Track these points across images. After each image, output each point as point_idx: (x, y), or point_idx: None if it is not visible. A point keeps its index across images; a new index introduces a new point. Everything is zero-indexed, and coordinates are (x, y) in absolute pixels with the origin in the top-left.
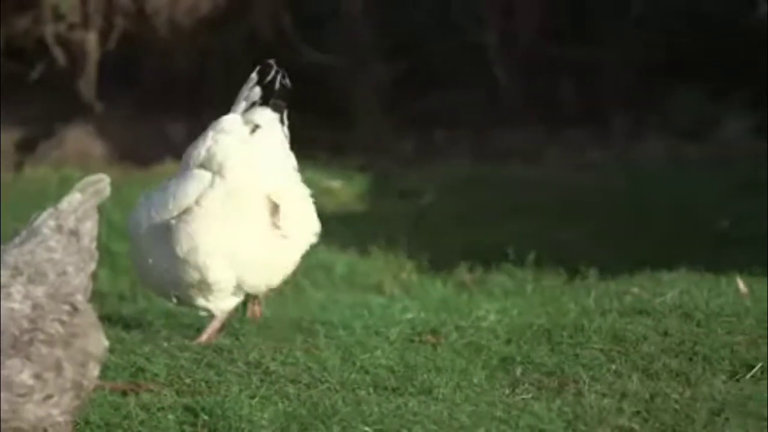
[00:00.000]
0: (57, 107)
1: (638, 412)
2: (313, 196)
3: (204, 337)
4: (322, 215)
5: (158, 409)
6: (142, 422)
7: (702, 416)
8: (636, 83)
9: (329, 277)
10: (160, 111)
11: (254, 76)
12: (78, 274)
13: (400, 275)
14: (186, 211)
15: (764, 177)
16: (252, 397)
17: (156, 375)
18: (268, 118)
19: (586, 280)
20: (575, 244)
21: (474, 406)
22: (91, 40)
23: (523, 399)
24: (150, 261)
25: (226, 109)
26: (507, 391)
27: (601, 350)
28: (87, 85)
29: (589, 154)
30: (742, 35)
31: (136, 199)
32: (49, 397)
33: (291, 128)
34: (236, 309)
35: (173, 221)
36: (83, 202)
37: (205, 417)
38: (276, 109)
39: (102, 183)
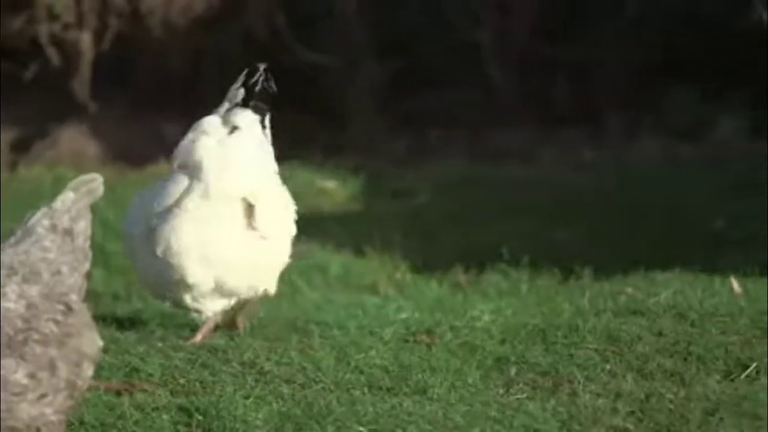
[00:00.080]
0: (51, 107)
1: (633, 412)
2: (307, 196)
3: (198, 337)
4: (316, 215)
5: (153, 409)
6: (136, 422)
7: (696, 416)
8: (631, 83)
9: (324, 277)
10: (155, 111)
11: (242, 77)
12: (72, 274)
13: (395, 275)
14: (167, 211)
15: (759, 177)
16: (246, 397)
17: (150, 375)
18: (247, 119)
19: (580, 280)
20: (570, 244)
21: (469, 406)
22: (86, 40)
23: (517, 399)
24: (141, 262)
25: None
26: (501, 391)
27: (596, 350)
28: (81, 85)
29: (584, 154)
30: (737, 35)
31: (130, 199)
32: (43, 396)
33: (285, 128)
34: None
35: (155, 222)
36: (76, 201)
37: (200, 417)
38: (257, 110)
39: (95, 182)
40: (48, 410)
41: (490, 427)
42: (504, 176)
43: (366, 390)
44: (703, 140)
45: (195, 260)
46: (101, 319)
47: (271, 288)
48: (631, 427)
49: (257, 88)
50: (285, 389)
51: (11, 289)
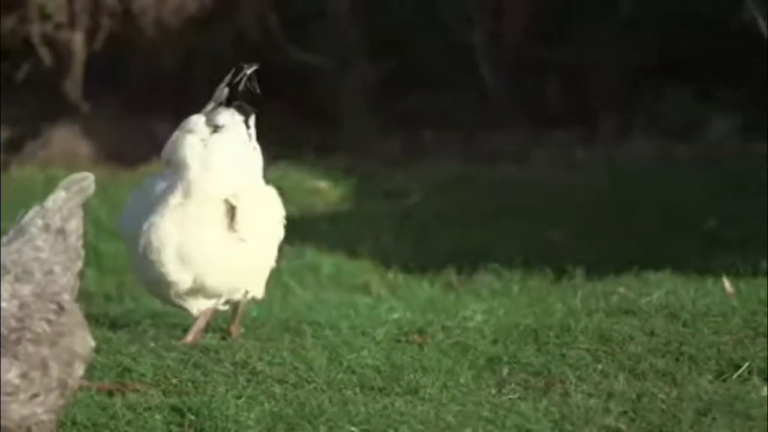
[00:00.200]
0: (43, 107)
1: (625, 412)
2: (299, 196)
3: (189, 336)
4: (308, 216)
5: (145, 409)
6: (128, 422)
7: (688, 416)
8: (624, 84)
9: (316, 278)
10: (147, 111)
11: (228, 77)
12: (65, 274)
13: (387, 275)
14: (151, 209)
15: (753, 177)
16: (238, 397)
17: (143, 375)
18: (231, 119)
19: (573, 280)
20: (562, 244)
21: (460, 406)
22: (78, 39)
23: (509, 399)
24: (131, 260)
25: None
26: (493, 391)
27: (588, 350)
28: (73, 85)
29: (578, 154)
30: (731, 36)
31: (122, 199)
32: (34, 396)
33: (277, 129)
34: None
35: (141, 219)
36: (68, 200)
37: (192, 417)
38: (241, 110)
39: (86, 181)
40: (39, 410)
41: (482, 427)
42: (497, 177)
43: (358, 390)
44: (696, 140)
45: (174, 259)
46: (94, 319)
47: (259, 292)
48: (623, 427)
49: (240, 88)
50: (277, 389)
51: (4, 288)
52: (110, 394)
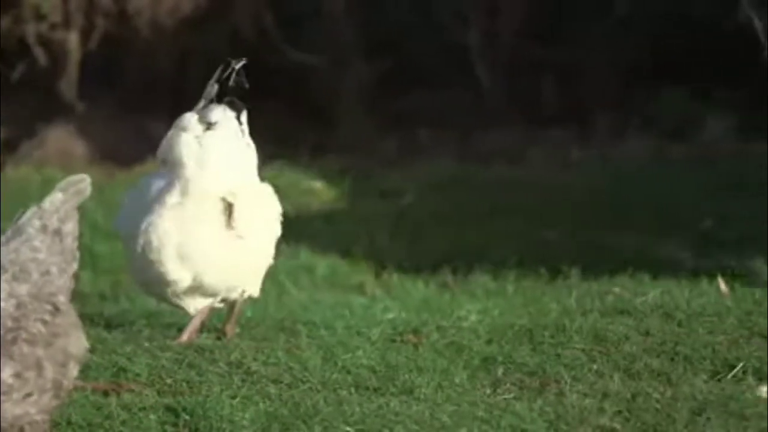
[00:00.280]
0: (38, 107)
1: (620, 412)
2: (294, 196)
3: (184, 336)
4: (303, 215)
5: (140, 409)
6: (123, 422)
7: (683, 416)
8: (619, 83)
9: (311, 278)
10: (142, 111)
11: (217, 73)
12: (61, 275)
13: (382, 275)
14: (148, 209)
15: (747, 177)
16: (233, 397)
17: (137, 375)
18: (223, 115)
19: (567, 280)
20: (557, 244)
21: (455, 406)
22: (73, 39)
23: (504, 399)
24: (128, 259)
25: None
26: (488, 391)
27: (583, 350)
28: (68, 85)
29: (573, 154)
30: (726, 36)
31: (118, 199)
32: (28, 395)
33: (272, 128)
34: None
35: (138, 219)
36: (65, 202)
37: (187, 417)
38: (232, 107)
39: (83, 183)
40: (32, 410)
41: (477, 427)
42: (492, 176)
43: (353, 390)
44: (691, 140)
45: (173, 257)
46: (88, 319)
47: (255, 290)
48: (618, 426)
49: (230, 84)
50: (272, 389)
51: (3, 287)
52: (105, 394)
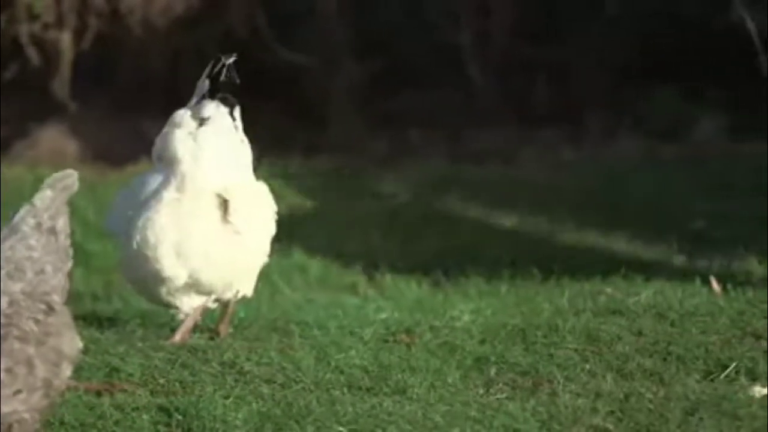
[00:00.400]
0: (31, 107)
1: (612, 412)
2: (287, 196)
3: (177, 336)
4: (296, 215)
5: (132, 409)
6: (116, 422)
7: (676, 416)
8: (611, 83)
9: (304, 278)
10: (135, 111)
11: (208, 69)
12: (56, 274)
13: (375, 275)
14: (144, 204)
15: (739, 177)
16: (226, 397)
17: (130, 375)
18: (215, 111)
19: (560, 280)
20: (550, 244)
21: (448, 405)
22: (66, 39)
23: (497, 399)
24: (122, 257)
25: None
26: (481, 391)
27: (576, 350)
28: (61, 84)
29: (564, 154)
30: (717, 35)
31: (110, 199)
32: (17, 392)
33: (264, 128)
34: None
35: (133, 214)
36: (54, 198)
37: (180, 417)
38: (225, 102)
39: (70, 178)
40: (21, 407)
41: (470, 427)
42: (484, 176)
43: (346, 390)
44: (683, 140)
45: (170, 253)
46: (81, 319)
47: (249, 289)
48: (610, 426)
49: (221, 80)
50: (265, 389)
51: None
52: (98, 394)
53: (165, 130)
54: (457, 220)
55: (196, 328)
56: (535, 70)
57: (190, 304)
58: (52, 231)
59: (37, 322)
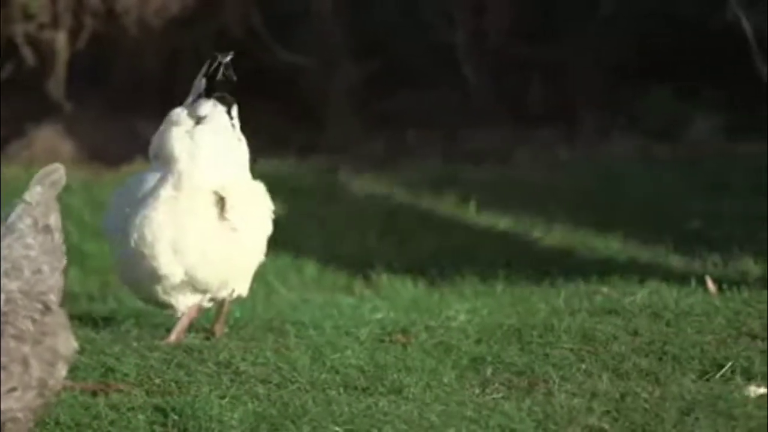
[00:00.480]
0: (26, 107)
1: (608, 412)
2: (282, 196)
3: (173, 336)
4: (292, 215)
5: (128, 410)
6: (112, 422)
7: (672, 416)
8: (606, 83)
9: (299, 278)
10: (130, 111)
11: (204, 67)
12: (53, 274)
13: (370, 275)
14: (141, 202)
15: (734, 177)
16: (222, 397)
17: (126, 375)
18: (212, 109)
19: (556, 280)
20: (545, 243)
21: (444, 405)
22: (61, 39)
23: (493, 399)
24: (117, 256)
25: None
26: (477, 391)
27: (571, 350)
28: (56, 84)
29: (560, 153)
30: (712, 35)
31: (106, 199)
32: (12, 390)
33: (261, 128)
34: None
35: (130, 214)
36: (44, 194)
37: (175, 417)
38: (222, 101)
39: (58, 173)
40: (15, 405)
41: (466, 427)
42: (479, 176)
43: (341, 390)
44: (678, 140)
45: (167, 251)
46: (77, 319)
47: (244, 289)
48: (606, 426)
49: (217, 78)
50: (260, 389)
51: None
52: (93, 394)
53: (162, 128)
54: (453, 220)
55: (191, 328)
56: (531, 70)
57: (185, 303)
58: (47, 229)
59: (33, 321)
